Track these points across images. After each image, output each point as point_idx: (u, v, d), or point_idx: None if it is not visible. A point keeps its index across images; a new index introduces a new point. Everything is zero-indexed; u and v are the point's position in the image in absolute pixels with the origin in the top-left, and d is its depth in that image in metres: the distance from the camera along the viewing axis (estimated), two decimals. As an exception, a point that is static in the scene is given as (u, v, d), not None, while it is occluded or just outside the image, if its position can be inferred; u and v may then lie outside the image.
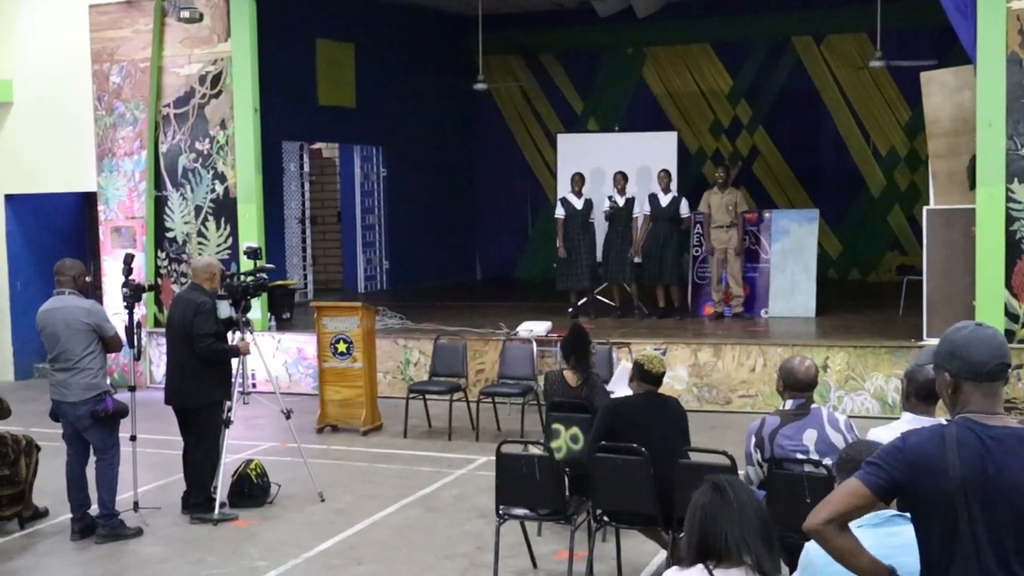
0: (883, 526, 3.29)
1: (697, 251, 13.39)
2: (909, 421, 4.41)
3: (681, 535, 5.64)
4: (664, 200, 12.71)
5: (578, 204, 12.97)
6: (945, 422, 3.12)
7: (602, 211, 12.87)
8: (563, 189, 13.65)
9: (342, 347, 10.17)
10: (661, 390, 6.17)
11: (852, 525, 3.10)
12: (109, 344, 7.24)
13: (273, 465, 8.35)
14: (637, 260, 12.78)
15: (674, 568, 3.33)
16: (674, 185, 13.06)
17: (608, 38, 17.39)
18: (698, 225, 13.29)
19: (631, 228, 12.83)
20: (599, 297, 13.47)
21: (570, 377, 7.02)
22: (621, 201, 12.76)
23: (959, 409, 3.04)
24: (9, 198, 13.52)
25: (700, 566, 3.20)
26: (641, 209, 12.83)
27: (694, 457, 5.87)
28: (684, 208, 12.75)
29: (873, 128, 16.90)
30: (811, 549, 3.52)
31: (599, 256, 13.09)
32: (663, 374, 6.14)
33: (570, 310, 12.91)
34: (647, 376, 6.03)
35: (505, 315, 12.32)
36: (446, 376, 10.20)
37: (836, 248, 17.04)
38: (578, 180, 13.04)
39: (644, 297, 13.05)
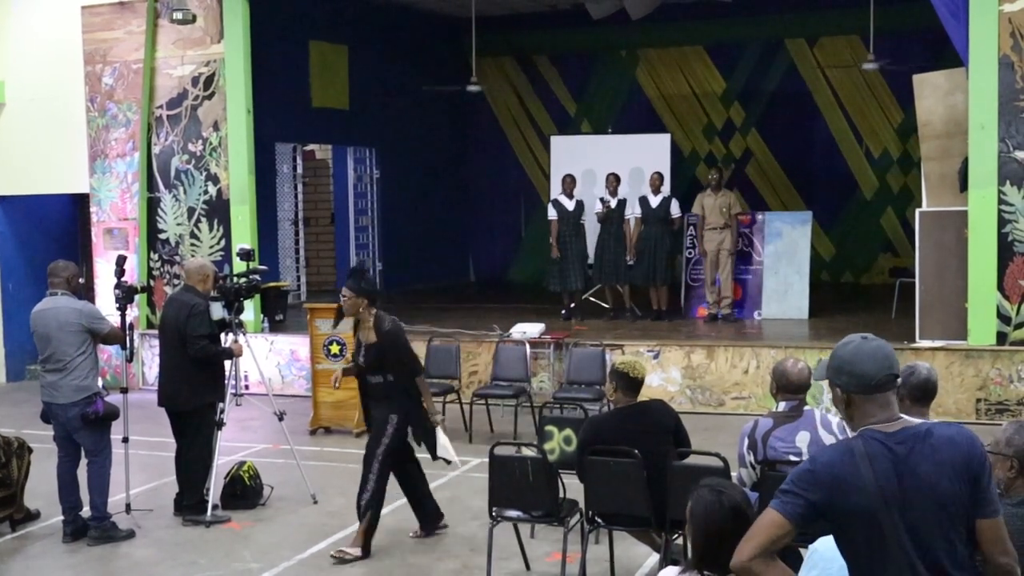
0: None
1: (691, 253, 13.41)
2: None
3: (675, 538, 5.68)
4: (654, 201, 12.70)
5: (569, 206, 12.96)
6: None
7: (594, 213, 12.88)
8: (556, 191, 13.65)
9: (335, 349, 10.17)
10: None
11: None
12: (108, 339, 7.32)
13: (266, 467, 8.35)
14: (631, 262, 12.78)
15: (674, 569, 3.35)
16: (666, 187, 13.05)
17: (601, 40, 17.39)
18: (691, 227, 13.30)
19: (624, 229, 12.83)
20: (592, 299, 13.49)
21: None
22: (613, 202, 12.76)
23: (858, 422, 3.06)
24: (1, 199, 13.49)
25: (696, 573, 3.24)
26: (632, 211, 12.84)
27: (686, 459, 5.85)
28: (675, 208, 12.75)
29: (866, 130, 16.93)
30: (818, 547, 3.53)
31: (591, 258, 13.10)
32: (644, 378, 5.92)
33: (564, 312, 12.92)
34: (632, 384, 5.79)
35: (498, 317, 12.31)
36: (439, 378, 10.17)
37: (829, 250, 17.05)
38: (569, 182, 13.04)
39: (637, 299, 13.06)
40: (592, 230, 13.07)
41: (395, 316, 7.00)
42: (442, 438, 6.87)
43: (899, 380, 3.10)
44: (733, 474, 5.47)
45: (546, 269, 13.36)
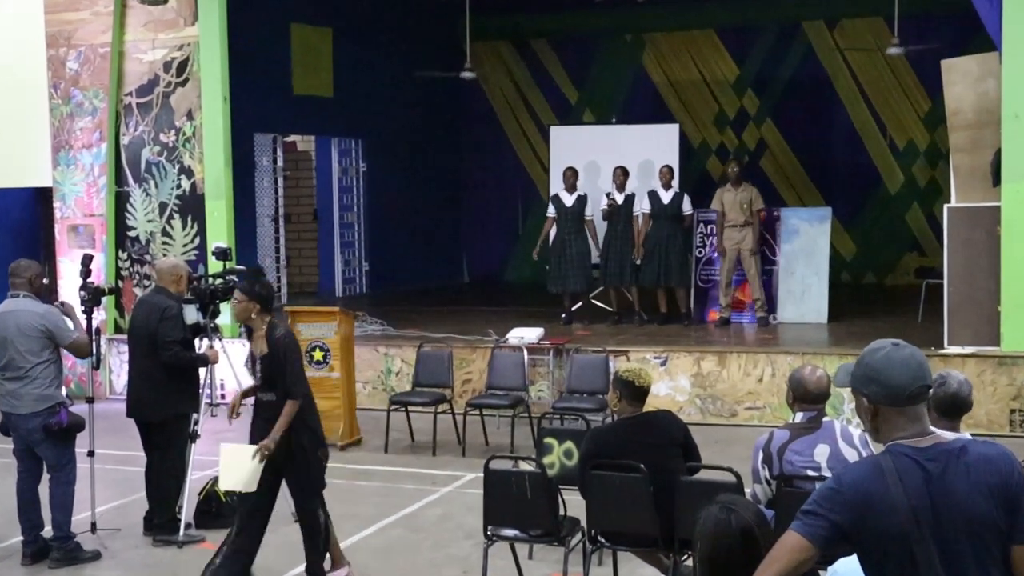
0: None
1: (700, 252, 13.39)
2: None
3: (684, 559, 5.66)
4: (665, 197, 12.69)
5: (568, 201, 12.94)
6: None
7: (600, 209, 12.87)
8: (556, 185, 13.65)
9: (318, 355, 10.14)
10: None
11: None
12: (72, 350, 7.25)
13: (243, 483, 8.31)
14: (638, 262, 12.76)
15: None
16: (676, 181, 13.05)
17: (605, 23, 17.40)
18: (700, 224, 13.28)
19: (631, 227, 12.81)
20: (595, 302, 13.48)
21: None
22: (620, 198, 12.74)
23: (884, 435, 3.04)
24: (-42, 194, 13.49)
25: None
26: (640, 207, 12.82)
27: (697, 474, 5.85)
28: (686, 205, 12.75)
29: (890, 120, 16.94)
30: (839, 568, 3.52)
31: (595, 257, 13.08)
32: (650, 387, 5.95)
33: (564, 315, 12.91)
34: (638, 393, 5.79)
35: (494, 321, 12.31)
36: (430, 386, 10.18)
37: (850, 249, 17.07)
38: (571, 175, 13.02)
39: (645, 301, 13.05)
40: (600, 228, 13.03)
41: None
42: (251, 466, 6.25)
43: (932, 391, 3.07)
44: (747, 490, 5.46)
45: (545, 269, 13.36)
